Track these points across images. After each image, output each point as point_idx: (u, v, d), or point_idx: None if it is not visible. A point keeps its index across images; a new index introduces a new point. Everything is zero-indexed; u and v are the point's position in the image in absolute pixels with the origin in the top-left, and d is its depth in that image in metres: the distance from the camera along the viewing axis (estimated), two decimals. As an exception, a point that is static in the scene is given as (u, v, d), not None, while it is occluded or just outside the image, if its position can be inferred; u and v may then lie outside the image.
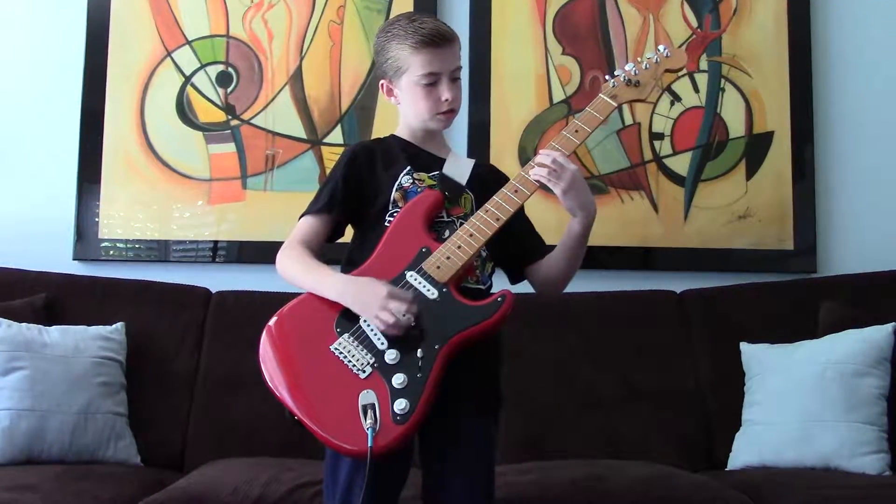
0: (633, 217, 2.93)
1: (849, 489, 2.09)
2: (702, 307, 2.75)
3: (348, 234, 2.00)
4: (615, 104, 1.95)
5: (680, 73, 2.79)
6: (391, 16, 2.94)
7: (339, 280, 1.80)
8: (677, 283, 2.82)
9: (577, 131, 1.90)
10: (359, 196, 1.93)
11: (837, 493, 2.07)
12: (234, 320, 2.70)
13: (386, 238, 1.84)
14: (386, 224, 1.87)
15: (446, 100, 1.91)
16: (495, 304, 1.75)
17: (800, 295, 2.71)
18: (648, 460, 2.43)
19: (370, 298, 1.73)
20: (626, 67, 1.99)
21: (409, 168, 1.92)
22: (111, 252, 2.95)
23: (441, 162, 1.98)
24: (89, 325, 2.59)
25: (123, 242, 2.95)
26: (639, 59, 2.01)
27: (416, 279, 1.77)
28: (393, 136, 2.03)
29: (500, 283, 1.93)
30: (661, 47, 2.02)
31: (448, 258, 1.78)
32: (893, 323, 2.45)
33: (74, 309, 2.66)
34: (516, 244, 1.99)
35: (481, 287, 1.86)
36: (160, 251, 2.95)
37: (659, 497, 2.08)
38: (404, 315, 1.71)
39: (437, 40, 1.88)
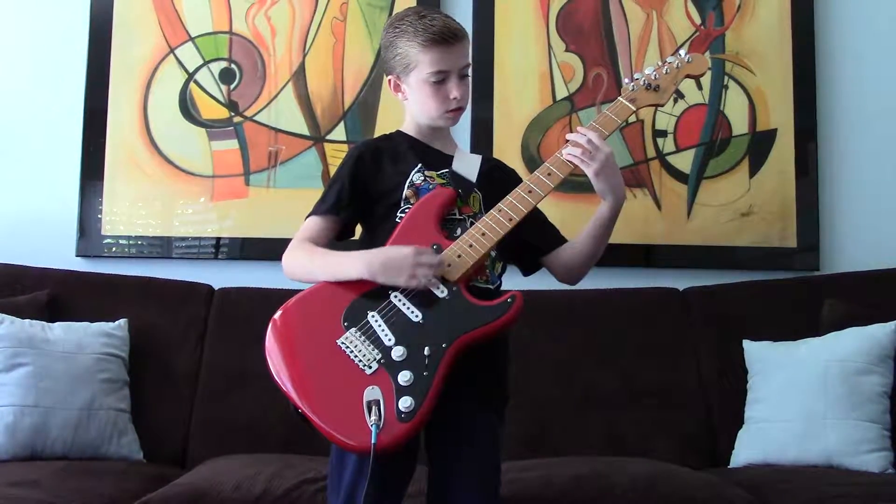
0: (635, 214, 2.92)
1: (851, 487, 2.09)
2: (704, 304, 2.74)
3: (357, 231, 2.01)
4: (634, 108, 1.95)
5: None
6: (394, 12, 2.93)
7: (360, 255, 1.79)
8: (680, 281, 2.82)
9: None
10: (366, 196, 1.92)
11: (840, 490, 2.06)
12: (236, 317, 2.70)
13: (397, 233, 1.83)
14: (397, 220, 1.86)
15: (455, 98, 1.90)
16: (505, 304, 1.74)
17: (802, 292, 2.70)
18: (650, 458, 2.43)
19: (398, 263, 1.73)
20: (647, 71, 1.98)
21: (420, 165, 1.92)
22: (114, 249, 2.95)
23: (448, 159, 1.97)
24: (92, 321, 2.59)
25: (126, 239, 2.95)
26: (659, 62, 2.00)
27: None
28: (399, 133, 2.02)
29: (508, 283, 1.93)
30: (682, 52, 2.01)
31: (459, 256, 1.78)
32: (896, 321, 2.45)
33: (77, 305, 2.67)
34: (532, 235, 1.99)
35: (490, 287, 1.86)
36: (163, 248, 2.95)
37: (661, 494, 2.08)
38: (432, 278, 1.72)
39: (447, 38, 1.87)
